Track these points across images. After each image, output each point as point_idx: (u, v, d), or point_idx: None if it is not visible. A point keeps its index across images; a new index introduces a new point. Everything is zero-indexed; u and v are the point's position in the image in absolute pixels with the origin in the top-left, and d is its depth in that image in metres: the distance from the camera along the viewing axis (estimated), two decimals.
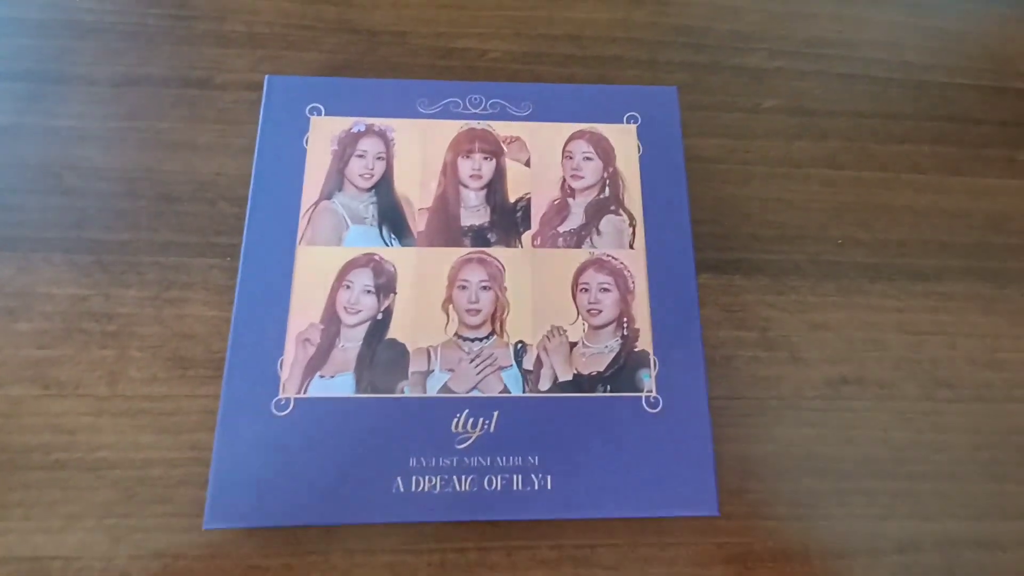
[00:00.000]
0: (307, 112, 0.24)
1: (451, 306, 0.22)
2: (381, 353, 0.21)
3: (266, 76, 0.25)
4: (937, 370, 0.25)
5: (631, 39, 0.30)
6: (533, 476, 0.20)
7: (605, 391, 0.22)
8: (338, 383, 0.21)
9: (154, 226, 0.24)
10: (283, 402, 0.20)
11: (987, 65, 0.31)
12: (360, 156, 0.24)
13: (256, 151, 0.24)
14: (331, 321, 0.22)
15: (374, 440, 0.20)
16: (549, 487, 0.20)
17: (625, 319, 0.23)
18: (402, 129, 0.24)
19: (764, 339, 0.25)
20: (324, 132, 0.24)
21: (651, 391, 0.22)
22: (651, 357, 0.22)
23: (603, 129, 0.25)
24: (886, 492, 0.23)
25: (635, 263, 0.23)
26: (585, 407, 0.21)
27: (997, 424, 0.25)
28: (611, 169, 0.25)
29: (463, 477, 0.20)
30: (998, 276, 0.27)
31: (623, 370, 0.22)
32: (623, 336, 0.22)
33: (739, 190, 0.27)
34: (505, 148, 0.25)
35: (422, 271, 0.22)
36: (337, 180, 0.23)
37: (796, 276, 0.26)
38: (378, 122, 0.24)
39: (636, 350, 0.22)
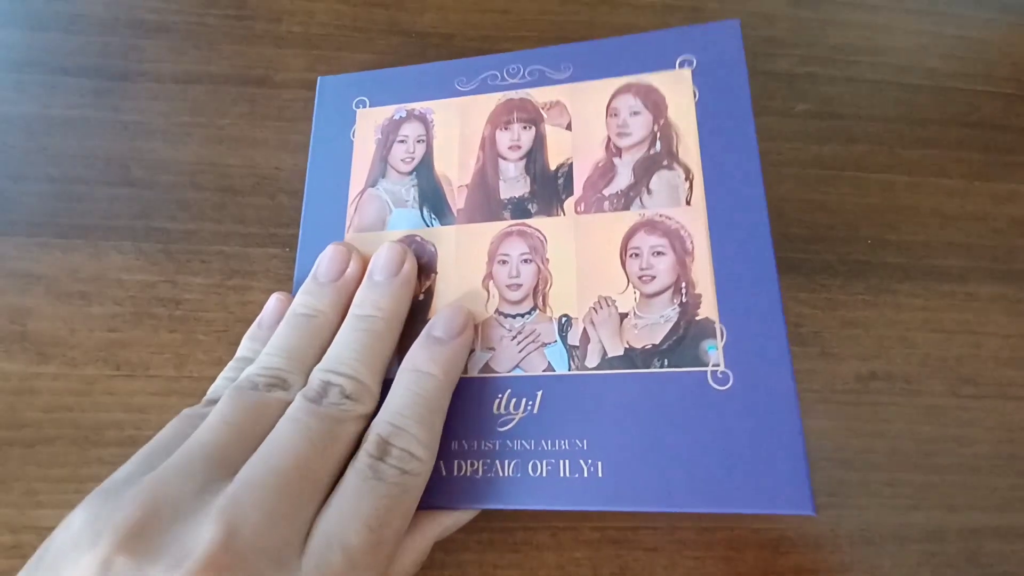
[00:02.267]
0: (353, 106, 0.24)
1: (491, 282, 0.20)
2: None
3: (319, 78, 0.25)
4: (962, 367, 0.25)
5: None
6: (582, 462, 0.18)
7: (662, 366, 0.18)
8: None
9: (217, 217, 0.24)
10: None
11: (1010, 74, 0.31)
12: (402, 142, 0.23)
13: (310, 147, 0.24)
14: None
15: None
16: (600, 474, 0.18)
17: (684, 284, 0.19)
18: (440, 110, 0.23)
19: (797, 335, 0.25)
20: (369, 123, 0.23)
21: (718, 365, 0.18)
22: (716, 326, 0.18)
23: (652, 79, 0.22)
24: (913, 484, 0.24)
25: (693, 221, 0.20)
26: (639, 385, 0.18)
27: (1020, 420, 0.25)
28: (662, 121, 0.21)
29: (507, 462, 0.18)
30: (1022, 278, 0.27)
31: (683, 342, 0.19)
32: (681, 303, 0.19)
33: (772, 191, 0.27)
34: (544, 114, 0.22)
35: (462, 248, 0.21)
36: (381, 167, 0.23)
37: (827, 275, 0.26)
38: (418, 106, 0.23)
39: (698, 318, 0.19)
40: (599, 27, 0.30)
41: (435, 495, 0.18)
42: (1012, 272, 0.27)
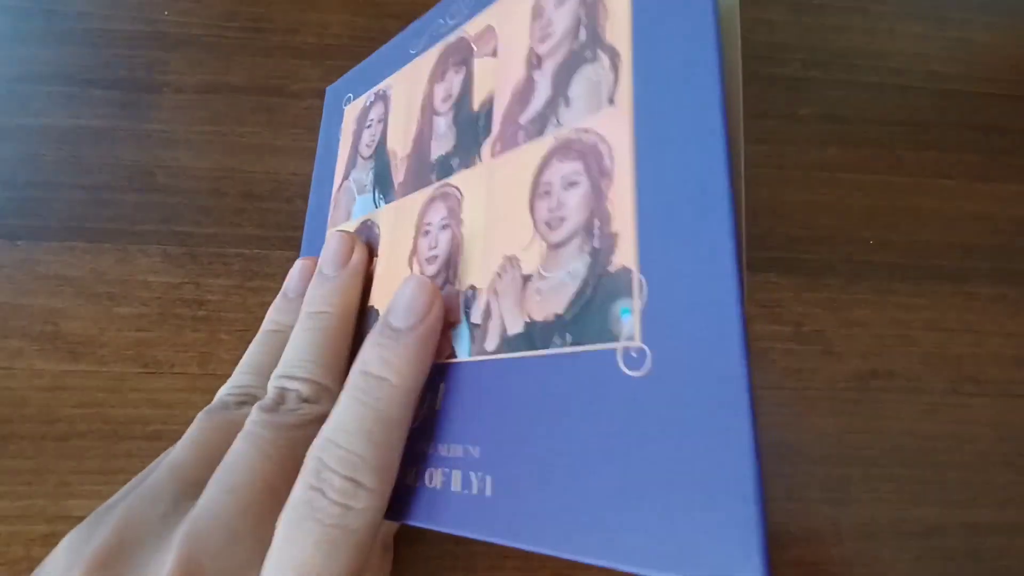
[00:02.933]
0: (343, 105, 0.24)
1: (415, 258, 0.17)
2: (361, 326, 0.18)
3: (327, 88, 0.26)
4: (963, 366, 0.26)
5: None
6: (472, 475, 0.13)
7: (564, 344, 0.13)
8: None
9: (238, 221, 0.25)
10: None
11: (1011, 76, 0.31)
12: (368, 127, 0.22)
13: (316, 155, 0.25)
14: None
15: None
16: (488, 493, 0.13)
17: (597, 222, 0.13)
18: (396, 83, 0.21)
19: (799, 334, 0.25)
20: (351, 117, 0.23)
21: (632, 338, 0.11)
22: (634, 277, 0.12)
23: None
24: (913, 479, 0.24)
25: (616, 126, 0.13)
26: (534, 373, 0.13)
27: (1021, 418, 0.25)
28: (590, 1, 0.15)
29: (406, 467, 0.14)
30: (1023, 278, 0.27)
31: (591, 306, 0.12)
32: (592, 250, 0.13)
33: (775, 193, 0.28)
34: (475, 48, 0.18)
35: (397, 226, 0.18)
36: (353, 157, 0.22)
37: (830, 275, 0.26)
38: (382, 86, 0.22)
39: (611, 269, 0.12)
40: None
41: None
42: (1013, 272, 0.27)
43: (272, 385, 0.16)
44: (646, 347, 0.11)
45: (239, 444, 0.15)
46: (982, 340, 0.26)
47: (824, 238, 0.27)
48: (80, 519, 0.22)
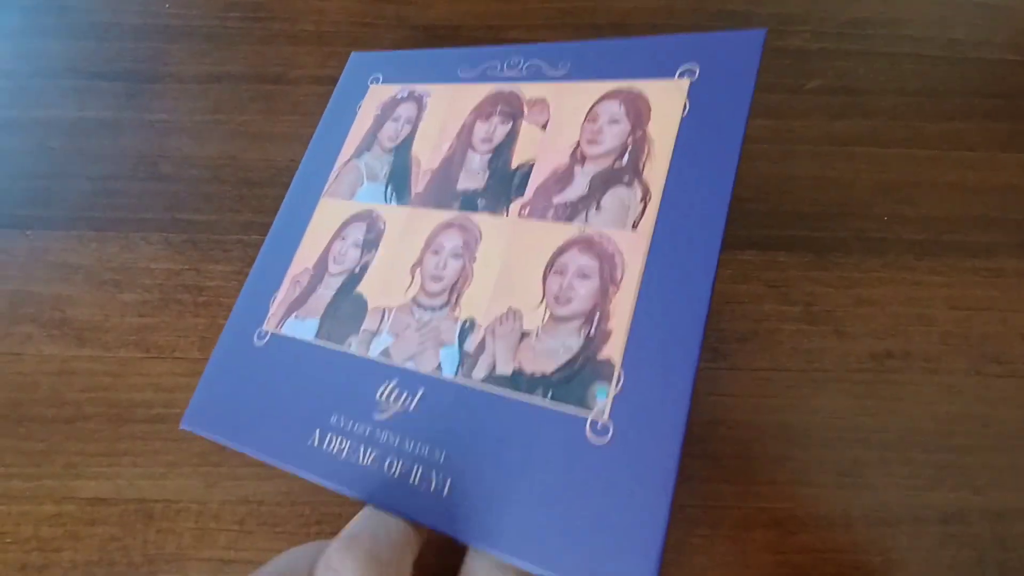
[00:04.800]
0: (369, 81, 0.24)
1: (419, 270, 0.19)
2: (344, 306, 0.20)
3: (352, 53, 0.25)
4: (986, 345, 0.24)
5: (674, 25, 0.29)
6: (433, 474, 0.16)
7: (545, 398, 0.16)
8: (306, 326, 0.20)
9: (237, 208, 0.25)
10: (263, 333, 0.20)
11: None
12: (394, 120, 0.22)
13: (324, 114, 0.24)
14: (320, 267, 0.21)
15: (311, 387, 0.19)
16: (445, 493, 0.16)
17: (597, 315, 0.16)
18: (437, 94, 0.22)
19: (808, 313, 0.24)
20: (375, 99, 0.23)
21: (603, 414, 0.15)
22: (616, 370, 0.15)
23: (645, 86, 0.19)
24: (932, 464, 0.22)
25: (633, 248, 0.17)
26: (514, 412, 0.16)
27: None
28: (639, 133, 0.18)
29: (369, 451, 0.17)
30: None
31: (575, 377, 0.16)
32: (588, 336, 0.16)
33: (782, 169, 0.26)
34: (526, 111, 0.20)
35: (407, 231, 0.20)
36: (369, 141, 0.22)
37: (841, 252, 0.25)
38: (419, 88, 0.23)
39: (599, 357, 0.16)
40: (602, 12, 0.29)
41: (301, 461, 0.17)
42: None
43: None
44: (611, 424, 0.15)
45: None
46: (1007, 318, 0.24)
47: (834, 214, 0.26)
48: (86, 501, 0.22)
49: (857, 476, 0.22)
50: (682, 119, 0.18)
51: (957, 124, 0.27)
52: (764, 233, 0.25)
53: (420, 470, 0.16)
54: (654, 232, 0.17)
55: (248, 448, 0.18)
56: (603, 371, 0.16)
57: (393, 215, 0.20)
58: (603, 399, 0.15)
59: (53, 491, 0.21)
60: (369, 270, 0.20)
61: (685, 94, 0.18)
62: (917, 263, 0.25)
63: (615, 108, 0.19)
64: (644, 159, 0.18)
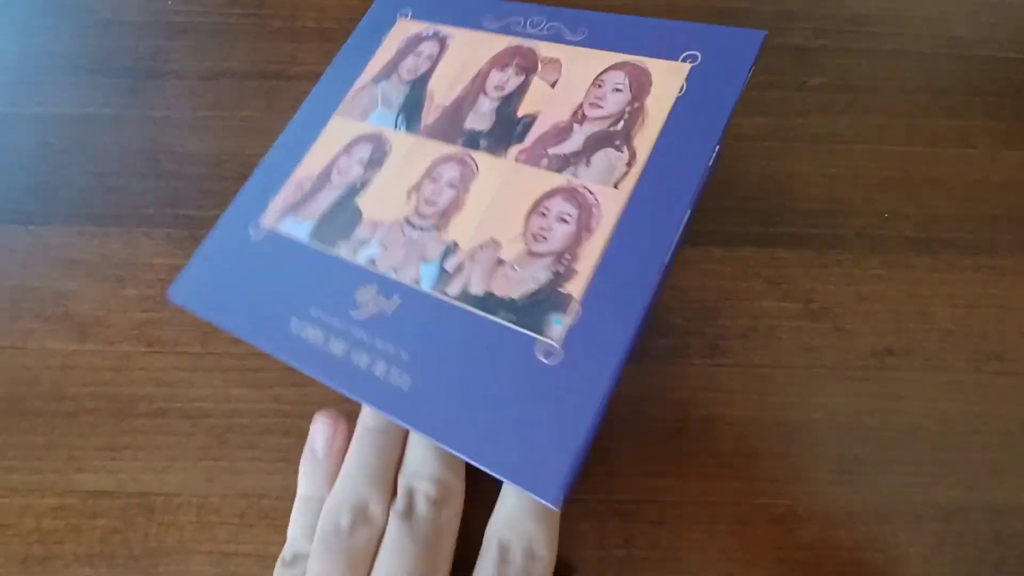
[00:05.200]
0: (398, 14, 0.25)
1: (416, 193, 0.21)
2: (341, 214, 0.21)
3: None
4: (987, 342, 0.24)
5: (679, 17, 0.29)
6: (395, 369, 0.18)
7: (507, 320, 0.18)
8: (302, 227, 0.21)
9: None
10: (260, 228, 0.21)
11: None
12: (416, 55, 0.24)
13: (350, 37, 0.24)
14: (323, 177, 0.22)
15: (296, 281, 0.20)
16: (405, 388, 0.18)
17: (568, 256, 0.18)
18: (460, 37, 0.24)
19: (808, 310, 0.24)
20: (402, 32, 0.24)
21: (554, 341, 0.17)
22: (574, 305, 0.17)
23: (650, 64, 0.21)
24: (932, 461, 0.22)
25: (611, 203, 0.19)
26: (478, 327, 0.18)
27: None
28: (637, 104, 0.20)
29: (342, 344, 0.19)
30: None
31: (537, 306, 0.18)
32: (556, 272, 0.18)
33: (783, 166, 0.26)
34: (540, 67, 0.22)
35: (411, 157, 0.22)
36: (389, 70, 0.24)
37: (841, 249, 0.25)
38: (445, 29, 0.24)
39: (562, 291, 0.18)
40: (601, 6, 0.29)
41: (276, 344, 0.19)
42: None
43: (403, 487, 0.18)
44: (561, 349, 0.17)
45: (390, 562, 0.17)
46: (1008, 315, 0.24)
47: (834, 211, 0.25)
48: (88, 493, 0.22)
49: (858, 473, 0.22)
50: (677, 98, 0.20)
51: (958, 121, 0.27)
52: (764, 230, 0.25)
53: (385, 366, 0.18)
54: (632, 193, 0.19)
55: (229, 326, 0.20)
56: (562, 303, 0.18)
57: (400, 140, 0.22)
58: (558, 327, 0.17)
59: (55, 484, 0.21)
60: (369, 185, 0.21)
61: (684, 77, 0.20)
62: (918, 260, 0.25)
63: (620, 78, 0.21)
64: (636, 128, 0.20)
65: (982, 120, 0.27)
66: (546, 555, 0.17)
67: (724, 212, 0.25)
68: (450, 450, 0.17)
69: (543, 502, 0.15)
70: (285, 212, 0.21)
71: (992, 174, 0.26)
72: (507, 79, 0.22)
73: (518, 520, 0.17)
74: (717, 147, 0.19)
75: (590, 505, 0.21)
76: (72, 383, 0.23)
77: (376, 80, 0.23)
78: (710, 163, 0.19)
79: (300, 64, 0.28)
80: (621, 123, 0.20)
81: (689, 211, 0.18)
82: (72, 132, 0.26)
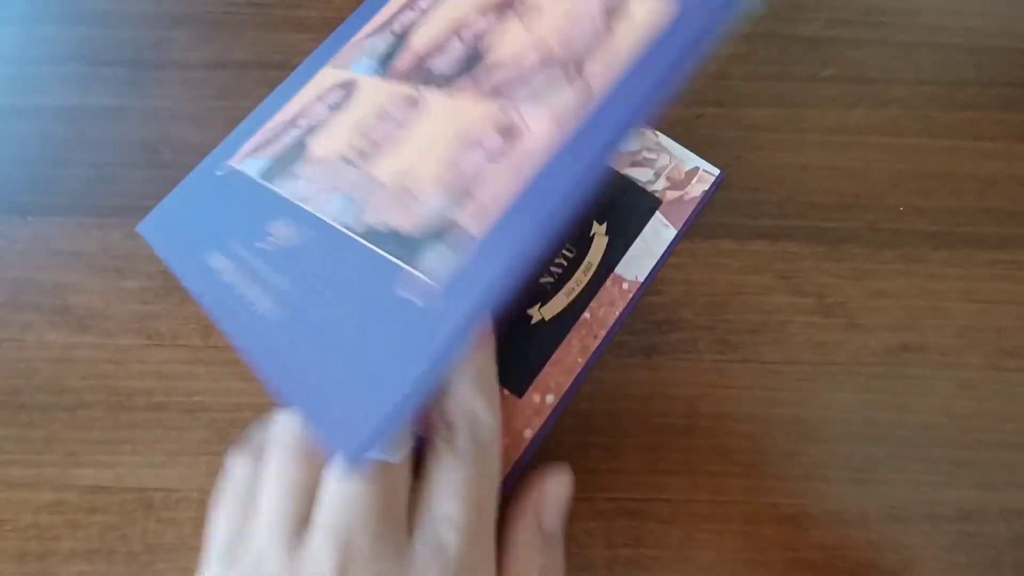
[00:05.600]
0: None
1: (360, 132, 0.19)
2: (291, 152, 0.20)
3: None
4: (1003, 339, 0.23)
5: None
6: (271, 304, 0.16)
7: (387, 251, 0.16)
8: (257, 165, 0.21)
9: None
10: (224, 167, 0.22)
11: None
12: (411, 9, 0.22)
13: (361, 4, 0.24)
14: (292, 121, 0.22)
15: (229, 215, 0.20)
16: (270, 319, 0.16)
17: (478, 190, 0.16)
18: None
19: (821, 305, 0.23)
20: None
21: (423, 275, 0.15)
22: (465, 243, 0.15)
23: (632, 3, 0.18)
24: (948, 460, 0.22)
25: (543, 140, 0.16)
26: (363, 259, 0.16)
27: None
28: (606, 40, 0.17)
29: (239, 274, 0.18)
30: None
31: (427, 240, 0.15)
32: (459, 207, 0.16)
33: (795, 158, 0.25)
34: (519, 8, 0.20)
35: (370, 98, 0.20)
36: (384, 26, 0.23)
37: (854, 243, 0.24)
38: None
39: (460, 226, 0.15)
40: None
41: (189, 276, 0.19)
42: None
43: (443, 421, 0.17)
44: (430, 289, 0.14)
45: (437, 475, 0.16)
46: None
47: (848, 205, 0.25)
48: (86, 489, 0.22)
49: (871, 472, 0.21)
50: (647, 35, 0.17)
51: (973, 114, 0.26)
52: (775, 223, 0.24)
53: (265, 300, 0.17)
54: (568, 127, 0.16)
55: (165, 259, 0.20)
56: (457, 241, 0.15)
57: (368, 84, 0.21)
58: (439, 263, 0.15)
59: (53, 479, 0.21)
60: (324, 126, 0.20)
61: (660, 11, 0.17)
62: (932, 255, 0.24)
63: (595, 7, 0.18)
64: (594, 60, 0.17)
65: (998, 113, 0.26)
66: (488, 420, 0.17)
67: (734, 204, 0.25)
68: (271, 386, 0.15)
69: (338, 455, 0.13)
70: (249, 152, 0.21)
71: (1007, 167, 0.25)
72: (484, 24, 0.20)
73: (456, 394, 0.17)
74: (675, 87, 0.16)
75: (598, 504, 0.21)
76: (71, 376, 0.22)
77: (370, 35, 0.23)
78: (660, 104, 0.15)
79: (303, 54, 0.27)
80: (580, 49, 0.17)
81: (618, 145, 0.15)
82: (72, 123, 0.26)
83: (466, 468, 0.16)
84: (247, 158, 0.21)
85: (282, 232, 0.18)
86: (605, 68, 0.16)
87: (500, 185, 0.15)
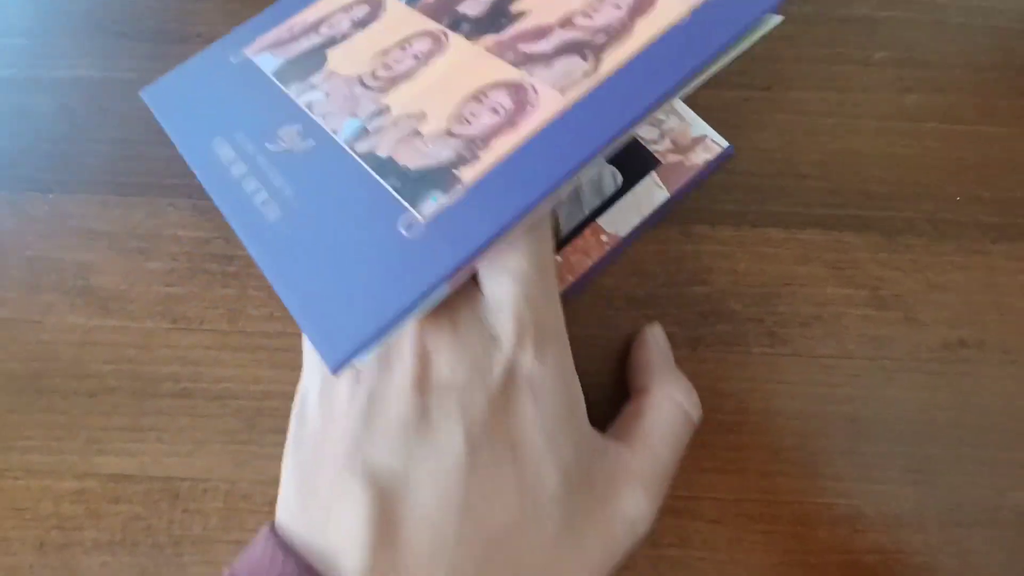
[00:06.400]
0: None
1: (383, 58, 0.20)
2: (309, 59, 0.20)
3: None
4: None
5: None
6: (274, 202, 0.17)
7: (393, 184, 0.17)
8: (273, 62, 0.21)
9: None
10: (239, 55, 0.21)
11: None
12: None
13: None
14: (314, 26, 0.21)
15: (238, 105, 0.20)
16: (271, 219, 0.17)
17: (479, 143, 0.17)
18: None
19: (876, 298, 0.22)
20: None
21: (422, 217, 0.16)
22: (462, 188, 0.16)
23: None
24: (1010, 461, 0.20)
25: (549, 106, 0.17)
26: (363, 186, 0.17)
27: None
28: (628, 22, 0.18)
29: (242, 165, 0.18)
30: None
31: (424, 180, 0.16)
32: (459, 155, 0.17)
33: (848, 144, 0.24)
34: None
35: (396, 24, 0.21)
36: None
37: (911, 234, 0.23)
38: None
39: (455, 172, 0.16)
40: None
41: (193, 155, 0.19)
42: None
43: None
44: (424, 229, 0.15)
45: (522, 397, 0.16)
46: None
47: (904, 194, 0.23)
48: (109, 477, 0.20)
49: (929, 473, 0.20)
50: (672, 27, 0.18)
51: None
52: (827, 212, 0.23)
53: (267, 196, 0.17)
54: (574, 106, 0.17)
55: (171, 130, 0.20)
56: (448, 184, 0.16)
57: (396, 8, 0.21)
58: (433, 204, 0.16)
59: (74, 466, 0.20)
60: (346, 41, 0.21)
61: (691, 8, 0.18)
62: (993, 247, 0.23)
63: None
64: (614, 43, 0.18)
65: None
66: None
67: (784, 192, 0.23)
68: (275, 289, 0.16)
69: (324, 360, 0.14)
70: (266, 47, 0.21)
71: None
72: None
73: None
74: (693, 81, 0.17)
75: None
76: (93, 360, 0.21)
77: None
78: (674, 94, 0.17)
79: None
80: (603, 36, 0.18)
81: (623, 135, 0.16)
82: (94, 97, 0.25)
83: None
84: (264, 52, 0.21)
85: (292, 138, 0.19)
86: (622, 54, 0.18)
87: (500, 146, 0.16)
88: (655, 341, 0.20)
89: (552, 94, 0.17)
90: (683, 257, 0.23)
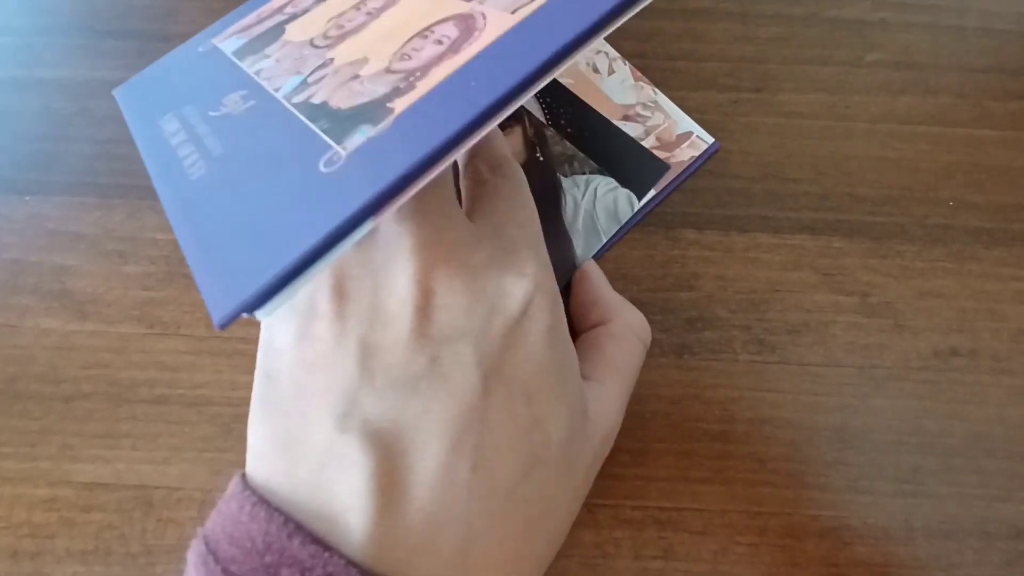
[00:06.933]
0: None
1: (338, 19, 0.19)
2: (268, 35, 0.20)
3: None
4: None
5: None
6: (203, 161, 0.16)
7: (322, 127, 0.15)
8: (234, 44, 0.20)
9: None
10: (207, 44, 0.21)
11: None
12: None
13: None
14: (280, 8, 0.21)
15: (193, 84, 0.19)
16: (195, 178, 0.16)
17: (418, 74, 0.15)
18: None
19: (865, 305, 0.22)
20: None
21: (345, 150, 0.14)
22: (394, 120, 0.14)
23: None
24: (1001, 473, 0.20)
25: (494, 29, 0.15)
26: (292, 133, 0.15)
27: None
28: None
29: (182, 135, 0.17)
30: None
31: (357, 115, 0.15)
32: (395, 88, 0.15)
33: (838, 147, 0.24)
34: None
35: None
36: None
37: (902, 239, 0.22)
38: None
39: (389, 105, 0.14)
40: None
41: (143, 138, 0.18)
42: None
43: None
44: (346, 165, 0.13)
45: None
46: None
47: (895, 198, 0.23)
48: (83, 485, 0.20)
49: (918, 484, 0.20)
50: None
51: None
52: (817, 216, 0.23)
53: (199, 159, 0.16)
54: (518, 24, 0.15)
55: (129, 121, 0.19)
56: (380, 117, 0.14)
57: None
58: (360, 137, 0.14)
59: (48, 473, 0.20)
60: (306, 14, 0.20)
61: None
62: (985, 253, 0.22)
63: None
64: None
65: None
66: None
67: (773, 195, 0.23)
68: (182, 246, 0.14)
69: (211, 312, 0.12)
70: (232, 32, 0.21)
71: None
72: None
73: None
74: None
75: (625, 511, 0.19)
76: (69, 365, 0.21)
77: None
78: (620, 11, 0.14)
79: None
80: None
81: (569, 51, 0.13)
82: (77, 97, 0.24)
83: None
84: (230, 38, 0.21)
85: (234, 103, 0.18)
86: None
87: (439, 73, 0.15)
88: (597, 275, 0.21)
89: (502, 16, 0.15)
90: (669, 262, 0.22)
